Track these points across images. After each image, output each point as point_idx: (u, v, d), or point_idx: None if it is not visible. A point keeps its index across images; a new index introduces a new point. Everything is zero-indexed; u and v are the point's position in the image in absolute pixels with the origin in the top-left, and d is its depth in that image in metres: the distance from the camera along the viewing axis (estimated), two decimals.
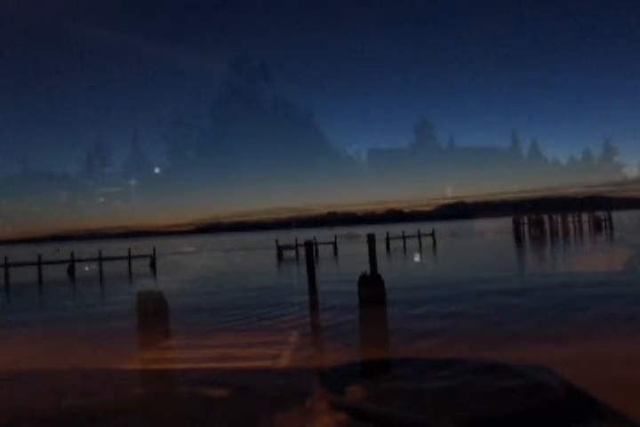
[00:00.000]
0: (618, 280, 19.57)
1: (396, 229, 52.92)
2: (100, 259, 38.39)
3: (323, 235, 50.51)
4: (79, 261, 39.50)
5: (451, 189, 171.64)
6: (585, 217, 68.08)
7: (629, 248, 34.03)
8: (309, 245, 20.73)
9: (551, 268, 28.90)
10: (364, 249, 19.02)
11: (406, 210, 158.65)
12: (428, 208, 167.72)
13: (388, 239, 47.16)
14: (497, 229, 70.53)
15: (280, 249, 46.12)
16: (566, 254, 37.70)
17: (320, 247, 43.12)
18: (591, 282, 18.77)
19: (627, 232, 56.80)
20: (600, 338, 10.61)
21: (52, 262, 38.02)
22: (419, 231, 51.54)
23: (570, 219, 66.17)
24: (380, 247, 29.80)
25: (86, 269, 39.15)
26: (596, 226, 65.19)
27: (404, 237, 49.57)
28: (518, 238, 55.98)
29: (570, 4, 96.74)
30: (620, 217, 78.12)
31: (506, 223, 66.50)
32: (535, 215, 65.67)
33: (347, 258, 39.44)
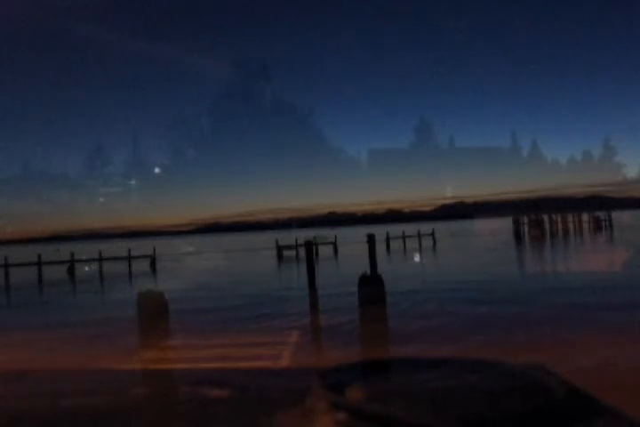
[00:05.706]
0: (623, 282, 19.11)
1: (396, 229, 52.88)
2: (100, 259, 38.37)
3: (323, 235, 50.46)
4: (79, 261, 39.47)
5: (451, 189, 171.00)
6: (585, 217, 68.06)
7: (630, 248, 33.99)
8: (309, 246, 20.76)
9: (551, 269, 28.86)
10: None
11: (406, 210, 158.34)
12: (428, 208, 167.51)
13: (388, 239, 47.14)
14: (497, 229, 70.52)
15: (280, 249, 46.15)
16: (567, 255, 37.69)
17: (320, 247, 43.14)
18: (595, 285, 18.42)
19: (627, 232, 56.81)
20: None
21: (52, 262, 37.99)
22: (419, 231, 51.49)
23: (570, 219, 66.15)
24: (380, 248, 29.78)
25: (86, 269, 39.15)
26: (596, 226, 65.18)
27: (403, 238, 49.54)
28: (518, 238, 55.95)
29: (570, 5, 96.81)
30: (620, 217, 78.10)
31: (506, 223, 66.46)
32: (535, 215, 65.58)
33: (347, 258, 39.41)
